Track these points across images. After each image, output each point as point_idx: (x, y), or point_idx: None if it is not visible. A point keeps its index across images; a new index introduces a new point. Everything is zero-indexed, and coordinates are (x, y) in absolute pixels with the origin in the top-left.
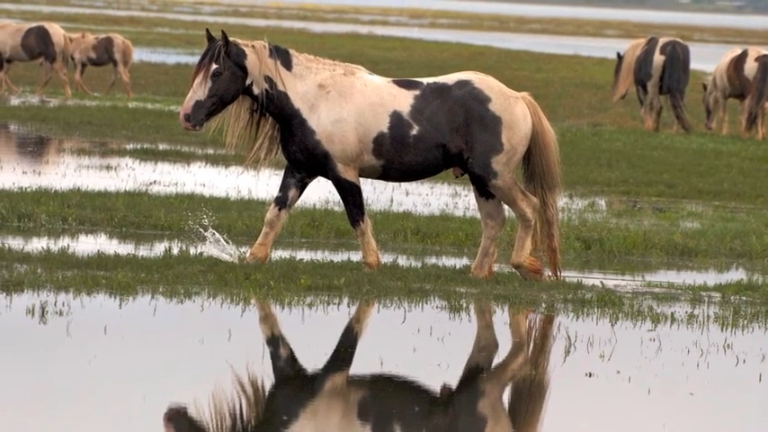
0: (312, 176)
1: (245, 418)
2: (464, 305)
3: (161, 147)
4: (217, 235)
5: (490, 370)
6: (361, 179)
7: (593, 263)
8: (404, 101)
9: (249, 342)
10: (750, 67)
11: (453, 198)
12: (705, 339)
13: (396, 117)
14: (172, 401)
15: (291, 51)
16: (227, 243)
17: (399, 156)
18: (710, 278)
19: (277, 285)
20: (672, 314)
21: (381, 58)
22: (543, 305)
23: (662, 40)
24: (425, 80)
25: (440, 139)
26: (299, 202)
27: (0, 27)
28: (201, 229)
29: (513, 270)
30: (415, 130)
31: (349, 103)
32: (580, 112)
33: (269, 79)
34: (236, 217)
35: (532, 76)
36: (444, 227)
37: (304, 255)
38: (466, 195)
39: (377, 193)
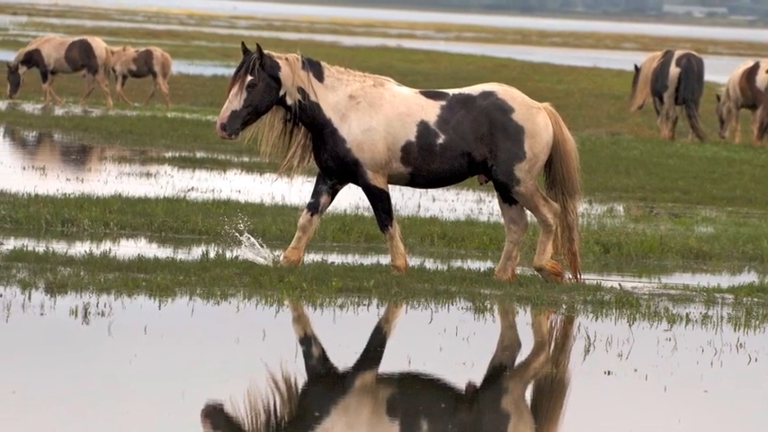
0: (343, 183)
1: (279, 414)
2: (488, 306)
3: (198, 155)
4: (252, 239)
5: (513, 368)
6: (390, 185)
7: (612, 266)
8: (431, 111)
9: (283, 341)
10: (762, 79)
11: (478, 204)
12: (719, 339)
13: (423, 126)
14: (209, 398)
15: (323, 64)
16: (262, 247)
17: (426, 163)
18: (724, 280)
19: (309, 287)
20: (687, 315)
21: (409, 70)
22: (564, 306)
23: (677, 53)
24: (451, 91)
25: (465, 147)
26: (330, 208)
27: (45, 41)
28: (237, 234)
29: (535, 273)
30: (441, 139)
31: (378, 113)
32: (599, 122)
33: (302, 90)
34: (271, 222)
35: (554, 88)
36: (469, 231)
37: (335, 258)
38: (490, 201)
39: (405, 199)
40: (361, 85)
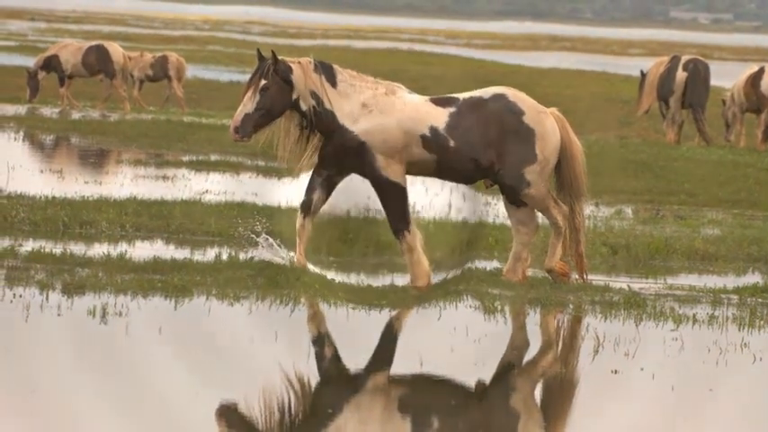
0: (342, 174)
1: (292, 412)
2: (499, 307)
3: (213, 158)
4: (270, 240)
5: (522, 368)
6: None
7: (620, 267)
8: (441, 117)
9: (296, 341)
10: (766, 83)
11: (484, 206)
12: (724, 339)
13: (433, 130)
14: (223, 397)
15: (335, 67)
16: (280, 248)
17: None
18: (729, 281)
19: (322, 288)
20: (693, 315)
21: (420, 75)
22: (572, 307)
23: (684, 58)
24: (461, 96)
25: (474, 152)
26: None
27: (63, 46)
28: (254, 236)
29: (546, 274)
30: (450, 143)
31: (390, 118)
32: (607, 126)
33: (315, 95)
34: (284, 224)
35: (562, 92)
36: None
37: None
38: (495, 204)
39: (411, 202)
40: (373, 93)
